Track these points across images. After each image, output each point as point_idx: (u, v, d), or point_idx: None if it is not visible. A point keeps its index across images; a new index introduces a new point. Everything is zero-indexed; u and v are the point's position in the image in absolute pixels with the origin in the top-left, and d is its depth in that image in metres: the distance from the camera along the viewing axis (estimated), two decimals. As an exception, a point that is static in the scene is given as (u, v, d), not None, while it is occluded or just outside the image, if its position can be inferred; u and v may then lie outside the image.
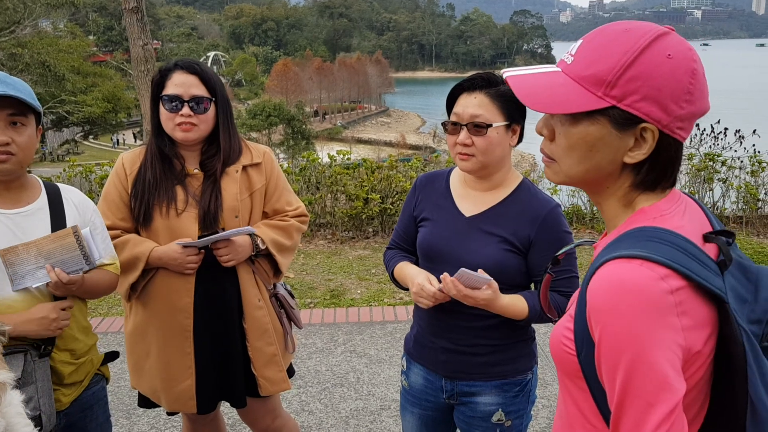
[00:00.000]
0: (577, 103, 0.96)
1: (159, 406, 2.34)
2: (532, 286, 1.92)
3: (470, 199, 1.90)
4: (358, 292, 5.49)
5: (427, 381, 1.98)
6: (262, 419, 2.43)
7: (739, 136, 8.08)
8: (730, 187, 7.61)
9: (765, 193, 7.60)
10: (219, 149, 2.20)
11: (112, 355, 2.07)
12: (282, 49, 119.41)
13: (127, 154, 2.26)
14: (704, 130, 8.21)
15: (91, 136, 42.58)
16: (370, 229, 7.38)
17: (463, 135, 1.77)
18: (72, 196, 1.92)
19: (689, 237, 0.95)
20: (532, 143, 1.84)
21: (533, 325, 1.94)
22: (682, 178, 7.58)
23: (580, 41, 1.02)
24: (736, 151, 7.82)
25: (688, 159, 7.63)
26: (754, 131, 8.16)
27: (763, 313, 0.96)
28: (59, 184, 1.93)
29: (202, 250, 2.14)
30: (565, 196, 7.78)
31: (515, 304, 1.78)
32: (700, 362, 0.92)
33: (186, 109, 2.09)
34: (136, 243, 2.13)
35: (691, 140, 8.03)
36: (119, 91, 33.50)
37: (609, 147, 0.98)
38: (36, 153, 1.88)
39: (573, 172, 1.03)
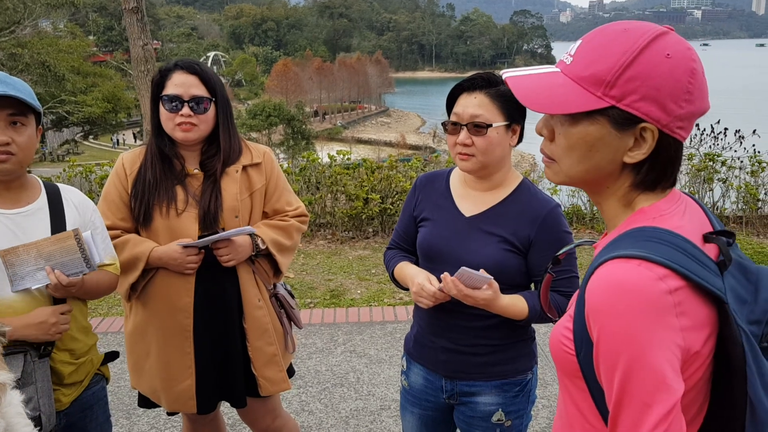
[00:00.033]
0: (576, 104, 0.96)
1: (159, 406, 2.34)
2: (532, 286, 1.92)
3: (470, 199, 1.90)
4: (358, 292, 5.49)
5: (427, 381, 1.98)
6: (262, 419, 2.43)
7: (739, 136, 8.08)
8: (730, 187, 7.61)
9: (765, 193, 7.60)
10: (219, 149, 2.20)
11: (112, 355, 2.07)
12: (282, 49, 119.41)
13: (127, 154, 2.26)
14: (704, 130, 8.21)
15: (91, 136, 42.60)
16: (370, 229, 7.38)
17: (463, 135, 1.77)
18: (72, 197, 1.92)
19: (689, 237, 0.95)
20: (532, 143, 1.84)
21: (533, 325, 1.94)
22: (682, 178, 7.58)
23: (579, 42, 1.02)
24: (735, 151, 7.82)
25: (688, 159, 7.63)
26: (754, 131, 8.16)
27: (762, 314, 0.96)
28: (59, 184, 1.93)
29: (203, 250, 2.14)
30: (565, 196, 7.78)
31: (515, 304, 1.78)
32: (699, 363, 0.92)
33: (186, 109, 2.09)
34: (136, 243, 2.13)
35: (691, 140, 8.03)
36: (119, 91, 33.51)
37: (608, 147, 0.98)
38: (36, 153, 1.88)
39: (573, 172, 1.03)
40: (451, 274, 1.71)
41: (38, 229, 1.80)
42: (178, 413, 2.39)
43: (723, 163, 7.58)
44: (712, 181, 7.54)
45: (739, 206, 7.66)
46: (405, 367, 2.07)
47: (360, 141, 56.34)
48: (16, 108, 1.70)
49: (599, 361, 0.93)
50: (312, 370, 4.00)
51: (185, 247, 2.10)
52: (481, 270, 1.69)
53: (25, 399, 1.48)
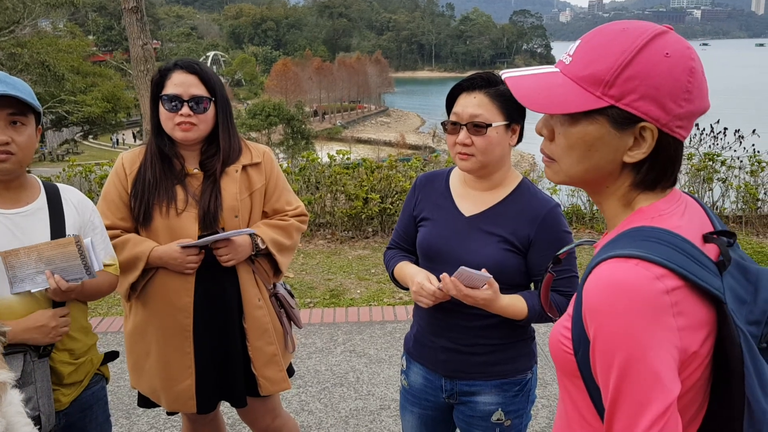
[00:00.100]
0: (575, 103, 0.96)
1: (159, 406, 2.34)
2: (532, 285, 1.92)
3: (470, 199, 1.90)
4: (358, 291, 5.49)
5: (426, 380, 1.98)
6: (262, 419, 2.43)
7: (739, 136, 8.09)
8: (729, 186, 7.61)
9: (764, 193, 7.61)
10: (219, 149, 2.20)
11: (111, 355, 2.07)
12: (281, 48, 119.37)
13: (127, 154, 2.26)
14: (704, 129, 8.22)
15: (90, 136, 42.59)
16: (370, 229, 7.38)
17: (463, 135, 1.77)
18: (71, 196, 1.92)
19: (688, 237, 0.95)
20: (532, 143, 1.84)
21: (533, 325, 1.94)
22: (682, 178, 7.58)
23: (578, 42, 1.02)
24: (735, 150, 7.83)
25: (688, 159, 7.63)
26: (754, 131, 8.16)
27: (761, 314, 0.96)
28: (58, 184, 1.93)
29: (203, 250, 2.14)
30: (565, 196, 7.78)
31: (515, 304, 1.78)
32: (697, 363, 0.92)
33: (185, 109, 2.09)
34: (136, 243, 2.13)
35: (691, 140, 8.04)
36: (119, 90, 33.52)
37: (608, 146, 0.98)
38: (35, 153, 1.88)
39: (573, 171, 1.03)
40: (451, 274, 1.71)
41: (37, 229, 1.80)
42: (177, 413, 2.39)
43: (722, 163, 7.58)
44: (712, 181, 7.55)
45: (739, 206, 7.66)
46: (405, 366, 2.07)
47: (359, 141, 56.34)
48: (16, 108, 1.70)
49: (595, 361, 0.93)
50: (312, 369, 4.00)
51: (185, 247, 2.10)
52: (483, 269, 1.69)
53: (25, 399, 1.48)
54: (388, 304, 5.12)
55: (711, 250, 0.97)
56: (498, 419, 1.90)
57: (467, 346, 1.88)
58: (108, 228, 2.07)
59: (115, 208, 2.18)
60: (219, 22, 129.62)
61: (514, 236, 1.81)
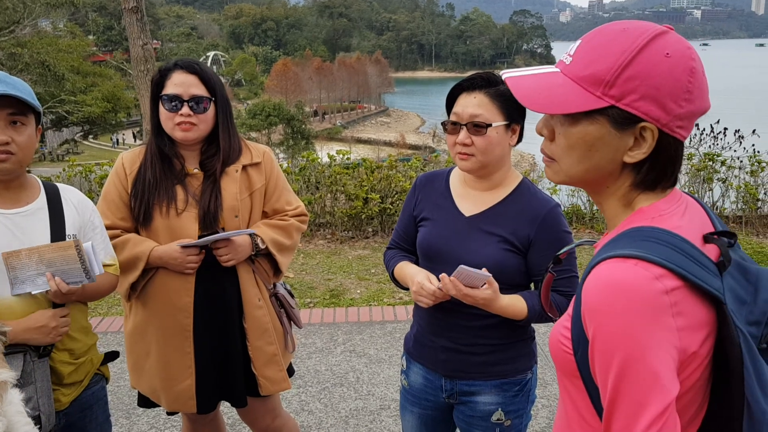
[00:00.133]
0: (575, 104, 0.96)
1: (159, 406, 2.34)
2: (532, 285, 1.92)
3: (470, 199, 1.90)
4: (358, 291, 5.49)
5: (426, 380, 1.98)
6: (262, 419, 2.43)
7: (739, 136, 8.09)
8: (729, 187, 7.61)
9: (764, 193, 7.61)
10: (219, 149, 2.20)
11: (112, 355, 2.07)
12: (282, 48, 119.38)
13: (127, 154, 2.26)
14: (704, 129, 8.22)
15: (90, 136, 42.58)
16: (370, 229, 7.38)
17: (463, 135, 1.77)
18: (71, 196, 1.92)
19: (688, 237, 0.95)
20: (532, 143, 1.84)
21: (533, 325, 1.94)
22: (682, 178, 7.58)
23: (578, 42, 1.02)
24: (735, 151, 7.83)
25: (688, 159, 7.63)
26: (754, 131, 8.16)
27: (761, 315, 0.96)
28: (58, 184, 1.93)
29: (203, 250, 2.14)
30: (565, 196, 7.79)
31: (514, 304, 1.78)
32: (696, 363, 0.92)
33: (185, 109, 2.09)
34: (136, 243, 2.13)
35: (691, 140, 8.03)
36: (119, 90, 33.51)
37: (608, 146, 0.98)
38: (35, 153, 1.88)
39: (573, 171, 1.03)
40: (450, 274, 1.71)
41: (37, 229, 1.80)
42: (177, 413, 2.39)
43: (722, 163, 7.58)
44: (712, 181, 7.55)
45: (739, 206, 7.66)
46: (405, 366, 2.07)
47: (359, 141, 56.34)
48: (16, 107, 1.70)
49: (594, 360, 0.93)
50: (312, 369, 4.00)
51: (185, 247, 2.10)
52: (483, 269, 1.69)
53: (25, 398, 1.48)
54: (388, 304, 5.12)
55: (711, 251, 0.97)
56: (498, 419, 1.90)
57: (467, 345, 1.88)
58: (108, 228, 2.07)
59: (115, 208, 2.18)
60: (219, 22, 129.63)
61: (514, 236, 1.81)
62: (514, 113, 1.78)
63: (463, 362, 1.90)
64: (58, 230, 1.82)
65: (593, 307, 0.92)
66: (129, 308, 2.30)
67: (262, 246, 2.23)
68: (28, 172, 1.91)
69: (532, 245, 1.81)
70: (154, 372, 2.25)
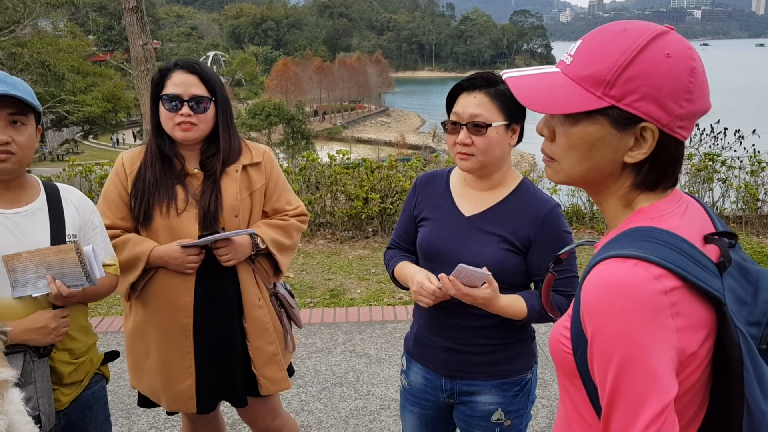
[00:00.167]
0: (576, 104, 0.96)
1: (159, 406, 2.34)
2: (532, 285, 1.92)
3: (470, 199, 1.90)
4: (358, 291, 5.49)
5: (426, 380, 1.98)
6: (262, 418, 2.43)
7: (739, 136, 8.09)
8: (729, 187, 7.61)
9: (764, 193, 7.61)
10: (219, 149, 2.20)
11: (112, 355, 2.07)
12: (282, 48, 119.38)
13: (127, 154, 2.26)
14: (704, 129, 8.22)
15: (90, 136, 42.56)
16: (370, 229, 7.38)
17: (463, 134, 1.77)
18: (71, 196, 1.91)
19: (687, 237, 0.95)
20: (532, 143, 1.84)
21: (533, 325, 1.94)
22: (682, 178, 7.58)
23: (579, 42, 1.02)
24: (735, 151, 7.83)
25: (688, 159, 7.63)
26: (754, 131, 8.16)
27: (762, 316, 0.96)
28: (58, 184, 1.93)
29: (203, 250, 2.15)
30: (565, 196, 7.79)
31: (514, 304, 1.78)
32: (696, 364, 0.92)
33: (186, 109, 2.09)
34: (136, 242, 2.13)
35: (691, 140, 8.03)
36: (119, 90, 33.49)
37: (609, 147, 0.98)
38: (35, 153, 1.88)
39: (573, 171, 1.03)
40: (450, 274, 1.71)
41: (37, 229, 1.80)
42: (177, 413, 2.39)
43: (723, 163, 7.58)
44: (712, 181, 7.55)
45: (739, 206, 7.66)
46: (405, 366, 2.07)
47: (360, 141, 56.34)
48: (16, 107, 1.70)
49: (593, 360, 0.93)
50: (312, 369, 4.00)
51: (185, 246, 2.10)
52: (484, 267, 1.69)
53: (25, 398, 1.48)
54: (388, 304, 5.12)
55: (712, 251, 0.97)
56: (498, 419, 1.90)
57: (467, 345, 1.88)
58: (108, 228, 2.07)
59: (116, 208, 2.18)
60: (219, 22, 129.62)
61: (514, 236, 1.81)
62: (514, 113, 1.78)
63: (463, 362, 1.90)
64: (58, 230, 1.82)
65: (592, 307, 0.92)
66: (129, 308, 2.30)
67: (262, 246, 2.23)
68: (28, 172, 1.91)
69: (532, 245, 1.81)
70: (154, 372, 2.24)
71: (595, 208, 7.62)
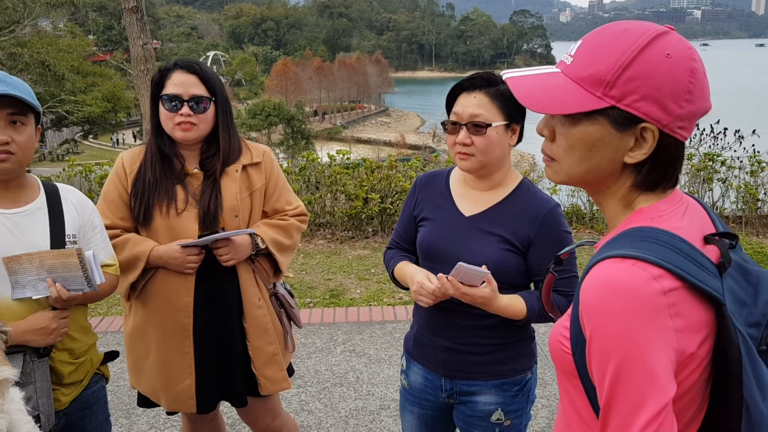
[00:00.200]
0: (576, 104, 0.96)
1: (158, 406, 2.34)
2: (532, 285, 1.92)
3: (470, 199, 1.90)
4: (358, 291, 5.49)
5: (426, 380, 1.98)
6: (262, 418, 2.43)
7: (739, 136, 8.08)
8: (729, 187, 7.61)
9: (764, 193, 7.61)
10: (219, 149, 2.20)
11: (111, 355, 2.07)
12: (282, 48, 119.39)
13: (127, 154, 2.26)
14: (704, 130, 8.22)
15: (90, 136, 42.55)
16: (370, 229, 7.38)
17: (463, 134, 1.77)
18: (71, 196, 1.91)
19: (687, 238, 0.95)
20: (532, 143, 1.84)
21: (533, 325, 1.94)
22: (682, 179, 7.58)
23: (579, 42, 1.02)
24: (735, 151, 7.83)
25: (688, 159, 7.63)
26: (754, 131, 8.16)
27: (761, 316, 0.96)
28: (58, 184, 1.93)
29: (203, 250, 2.15)
30: (565, 196, 7.79)
31: (513, 304, 1.78)
32: (695, 364, 0.92)
33: (185, 109, 2.09)
34: (136, 242, 2.13)
35: (691, 140, 8.03)
36: (119, 90, 33.49)
37: (609, 147, 0.98)
38: (35, 153, 1.88)
39: (573, 171, 1.03)
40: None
41: (37, 229, 1.80)
42: (177, 413, 2.39)
43: (722, 163, 7.58)
44: (712, 181, 7.55)
45: (739, 206, 7.66)
46: (404, 366, 2.07)
47: (360, 141, 56.35)
48: (16, 107, 1.70)
49: (591, 360, 0.93)
50: (311, 369, 4.00)
51: (185, 246, 2.10)
52: (483, 266, 1.69)
53: (24, 398, 1.48)
54: (388, 304, 5.12)
55: (712, 252, 0.97)
56: (498, 419, 1.90)
57: (467, 345, 1.88)
58: (108, 228, 2.07)
59: (115, 208, 2.18)
60: (219, 22, 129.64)
61: (514, 236, 1.81)
62: (514, 113, 1.78)
63: (462, 362, 1.90)
64: (57, 230, 1.82)
65: (591, 307, 0.92)
66: (129, 308, 2.30)
67: (262, 246, 2.23)
68: (28, 171, 1.91)
69: (532, 245, 1.81)
70: (153, 372, 2.24)
71: (595, 208, 7.62)
